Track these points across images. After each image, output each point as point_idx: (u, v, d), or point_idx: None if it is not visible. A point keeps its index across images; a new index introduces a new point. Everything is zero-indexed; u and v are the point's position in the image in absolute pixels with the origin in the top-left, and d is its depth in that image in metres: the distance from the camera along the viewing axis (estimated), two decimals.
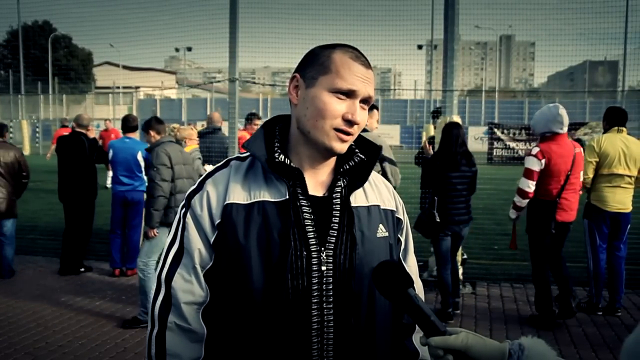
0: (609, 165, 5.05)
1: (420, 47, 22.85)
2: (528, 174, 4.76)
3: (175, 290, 1.30)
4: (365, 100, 1.30)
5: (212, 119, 7.19)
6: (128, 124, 6.45)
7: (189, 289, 1.30)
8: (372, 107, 5.04)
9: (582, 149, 4.95)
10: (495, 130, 22.36)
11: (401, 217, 1.47)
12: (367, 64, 1.31)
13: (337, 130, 1.28)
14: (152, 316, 1.32)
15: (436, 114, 6.70)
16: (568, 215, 4.87)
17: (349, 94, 1.27)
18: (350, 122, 1.27)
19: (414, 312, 1.13)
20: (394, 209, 1.45)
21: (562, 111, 4.71)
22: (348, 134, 1.28)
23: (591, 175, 5.12)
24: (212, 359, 1.33)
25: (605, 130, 5.24)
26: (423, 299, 1.54)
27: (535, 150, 4.79)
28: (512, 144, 22.51)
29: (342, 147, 1.30)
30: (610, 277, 5.24)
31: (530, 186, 4.76)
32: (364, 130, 4.47)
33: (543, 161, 4.73)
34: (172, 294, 1.30)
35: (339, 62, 1.28)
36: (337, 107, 1.27)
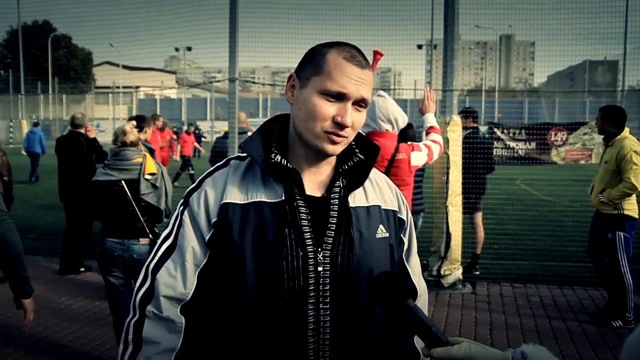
0: None
1: (420, 46, 22.82)
2: None
3: (158, 282, 1.32)
4: (359, 102, 1.27)
5: (238, 120, 6.70)
6: (139, 123, 6.32)
7: (172, 284, 1.32)
8: None
9: (411, 151, 3.64)
10: (495, 129, 22.34)
11: (404, 218, 1.46)
12: (362, 65, 1.26)
13: (328, 132, 1.26)
14: (133, 304, 1.34)
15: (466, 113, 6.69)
16: None
17: (339, 96, 1.25)
18: (341, 125, 1.25)
19: (415, 323, 1.11)
20: (396, 210, 1.43)
21: (377, 99, 3.65)
22: (339, 136, 1.26)
23: None
24: (210, 356, 1.34)
25: (612, 134, 4.87)
26: (427, 299, 1.53)
27: None
28: (512, 144, 22.49)
29: (334, 149, 1.28)
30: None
31: None
32: None
33: None
34: (155, 285, 1.32)
35: (331, 63, 1.25)
36: (327, 109, 1.25)
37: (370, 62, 1.33)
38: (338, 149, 1.29)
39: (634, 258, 5.01)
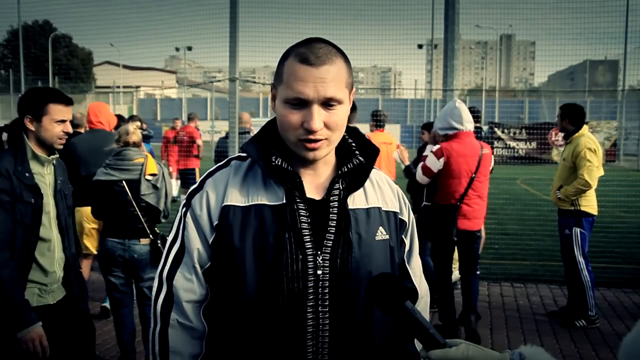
0: (600, 167, 4.82)
1: (420, 46, 22.80)
2: (426, 170, 4.38)
3: (176, 288, 1.32)
4: (327, 102, 1.23)
5: (240, 120, 6.65)
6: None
7: (190, 287, 1.32)
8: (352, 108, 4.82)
9: (490, 149, 4.48)
10: (496, 129, 22.34)
11: (405, 219, 1.44)
12: (319, 62, 1.22)
13: (301, 140, 1.25)
14: (154, 313, 1.34)
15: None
16: (471, 224, 4.41)
17: (300, 102, 1.23)
18: (309, 131, 1.23)
19: (413, 325, 1.11)
20: (397, 211, 1.42)
21: (460, 105, 4.36)
22: (313, 141, 1.24)
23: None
24: (213, 356, 1.35)
25: (571, 132, 4.91)
26: (428, 301, 1.52)
27: (436, 147, 4.39)
28: (513, 144, 22.49)
29: (314, 155, 1.27)
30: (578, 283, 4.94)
31: (425, 179, 4.43)
32: None
33: (442, 160, 4.31)
34: (174, 292, 1.32)
35: (287, 70, 1.24)
36: (294, 117, 1.24)
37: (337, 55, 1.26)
38: (319, 153, 1.27)
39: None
